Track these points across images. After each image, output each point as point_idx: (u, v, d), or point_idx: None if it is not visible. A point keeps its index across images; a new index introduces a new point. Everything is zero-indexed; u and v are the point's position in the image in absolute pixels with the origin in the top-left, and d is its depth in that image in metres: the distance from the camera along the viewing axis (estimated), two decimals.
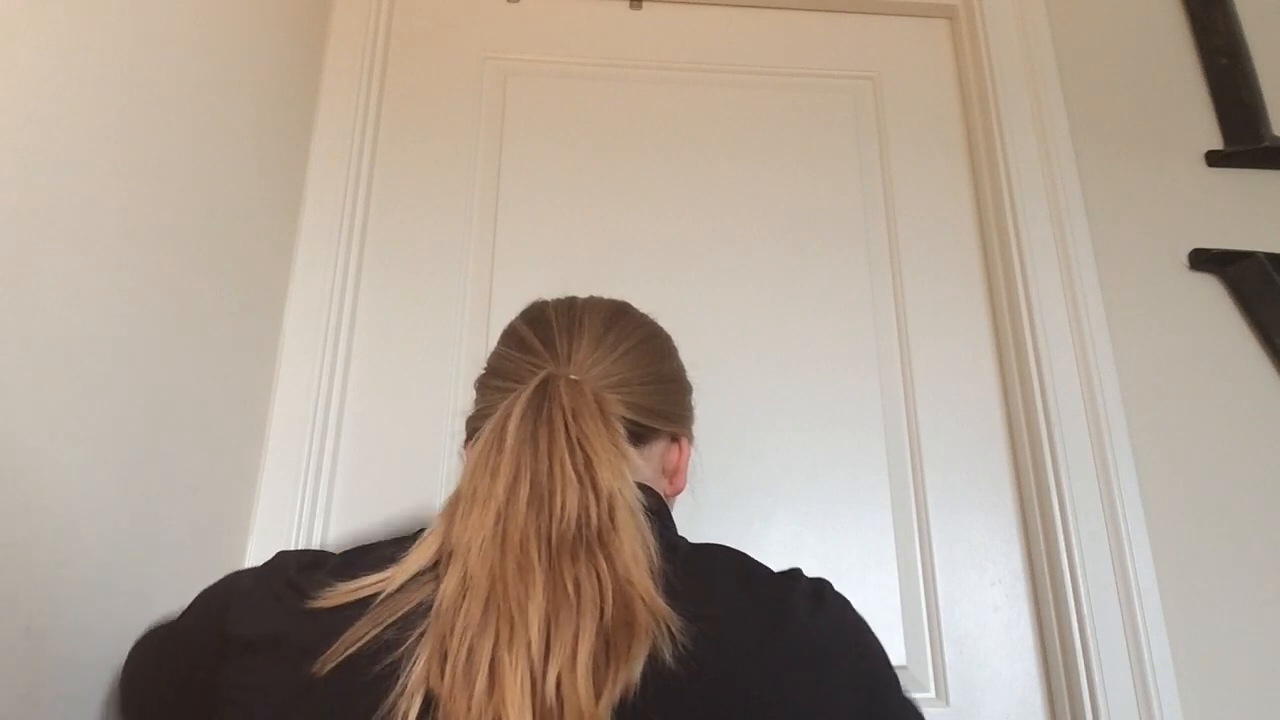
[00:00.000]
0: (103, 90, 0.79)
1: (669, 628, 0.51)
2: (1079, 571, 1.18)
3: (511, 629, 0.50)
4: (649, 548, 0.55)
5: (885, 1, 1.56)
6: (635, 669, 0.49)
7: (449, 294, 1.35)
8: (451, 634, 0.50)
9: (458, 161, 1.43)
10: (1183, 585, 1.18)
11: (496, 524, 0.53)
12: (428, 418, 1.27)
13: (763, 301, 1.37)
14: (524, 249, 1.39)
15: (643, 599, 0.51)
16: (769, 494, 1.18)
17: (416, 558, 0.54)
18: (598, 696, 0.48)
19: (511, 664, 0.48)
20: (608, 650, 0.49)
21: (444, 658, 0.49)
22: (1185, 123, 1.46)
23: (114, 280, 0.81)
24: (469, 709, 0.47)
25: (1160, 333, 1.32)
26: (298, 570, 0.57)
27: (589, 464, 0.56)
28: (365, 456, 1.25)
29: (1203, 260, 1.36)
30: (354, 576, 0.53)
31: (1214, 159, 1.43)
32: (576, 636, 0.49)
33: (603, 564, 0.53)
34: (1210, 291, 1.35)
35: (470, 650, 0.49)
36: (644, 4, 1.56)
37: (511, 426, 0.58)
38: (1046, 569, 1.22)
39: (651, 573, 0.53)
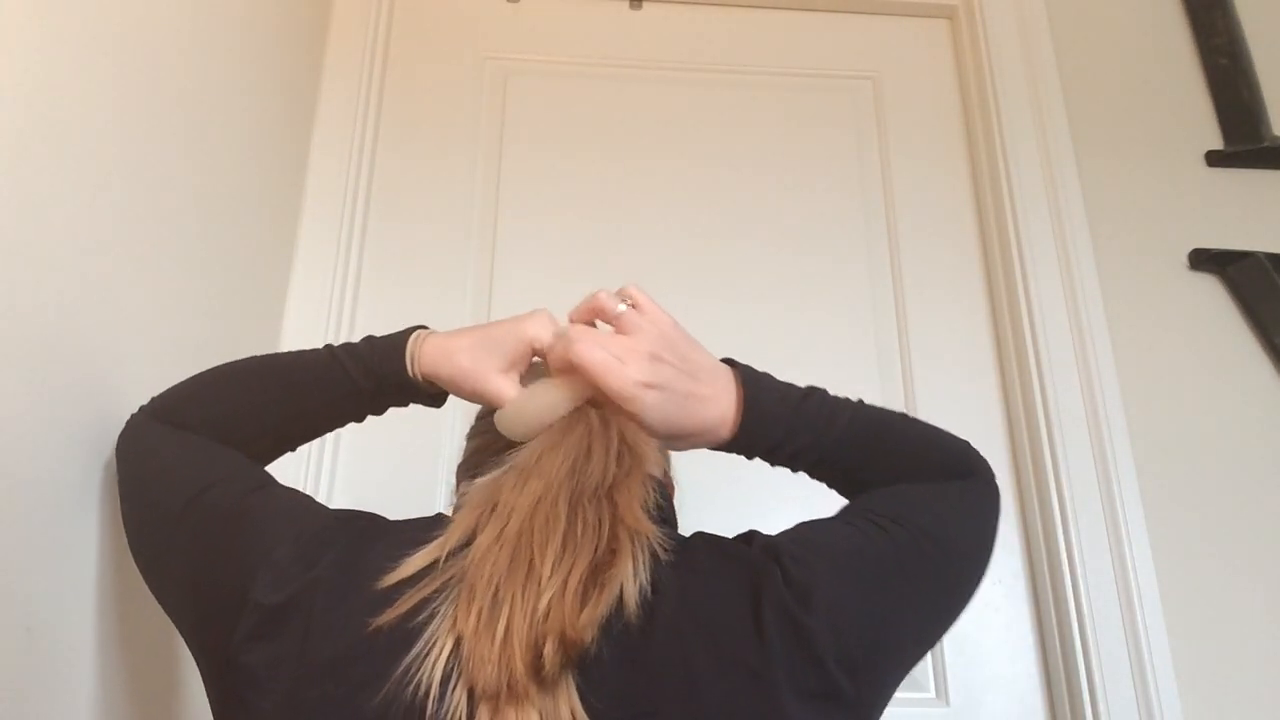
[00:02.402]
0: (102, 91, 0.79)
1: (651, 544, 0.57)
2: (1079, 571, 1.18)
3: (528, 572, 0.55)
4: (648, 493, 0.61)
5: (885, 1, 1.56)
6: (618, 586, 0.55)
7: (449, 293, 1.35)
8: (480, 582, 0.55)
9: (458, 161, 1.43)
10: (1183, 585, 1.18)
11: (545, 491, 0.59)
12: (427, 419, 1.27)
13: (761, 300, 1.37)
14: (524, 248, 1.39)
15: (625, 521, 0.58)
16: (770, 495, 1.18)
17: (461, 528, 0.59)
18: (581, 610, 0.54)
19: (523, 605, 0.54)
20: (595, 574, 0.55)
21: (471, 604, 0.54)
22: (1185, 123, 1.46)
23: (112, 279, 0.81)
24: (490, 650, 0.52)
25: (1160, 333, 1.32)
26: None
27: (623, 440, 0.63)
28: (365, 455, 1.25)
29: (1203, 260, 1.36)
30: (403, 557, 0.58)
31: (1214, 159, 1.43)
32: (571, 568, 0.55)
33: (605, 508, 0.58)
34: (1210, 291, 1.35)
35: (495, 595, 0.55)
36: (644, 4, 1.56)
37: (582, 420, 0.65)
38: (1046, 569, 1.22)
39: (644, 507, 0.60)
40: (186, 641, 0.64)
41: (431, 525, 0.62)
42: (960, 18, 1.55)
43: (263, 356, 0.75)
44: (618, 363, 0.61)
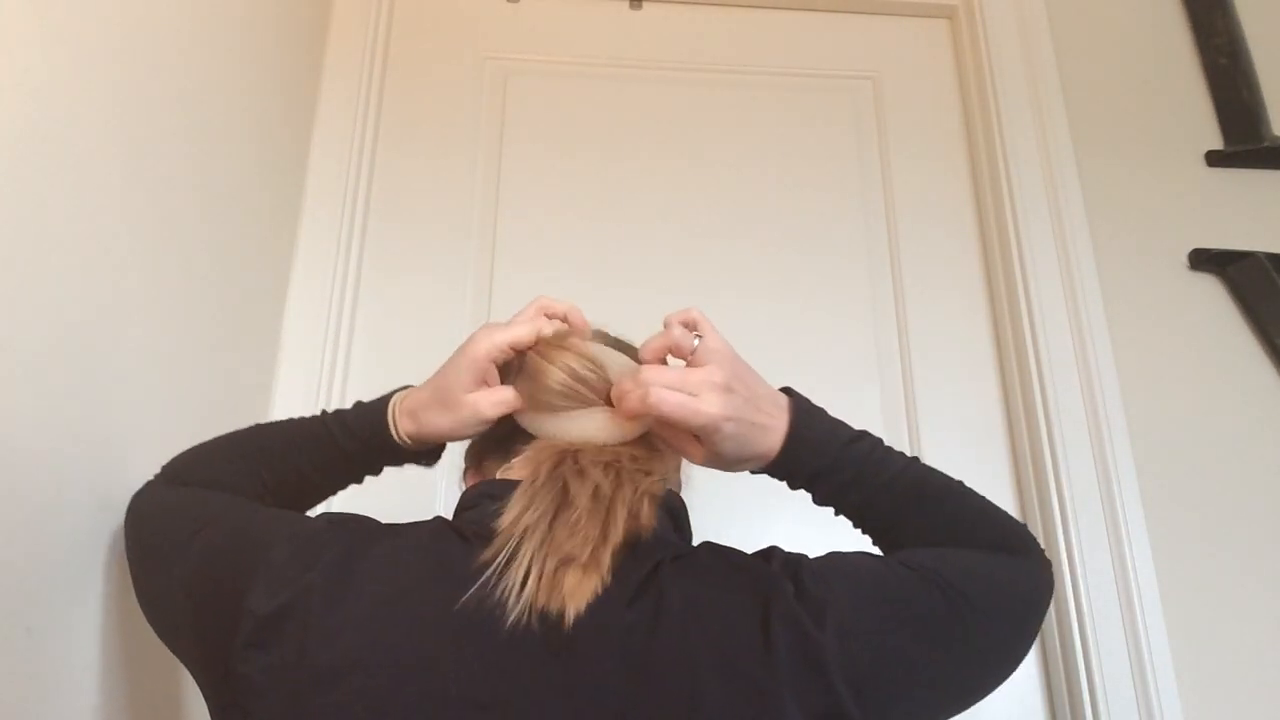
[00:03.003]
0: (101, 92, 0.79)
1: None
2: (1079, 571, 1.18)
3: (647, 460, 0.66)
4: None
5: (885, 1, 1.56)
6: None
7: (449, 295, 1.35)
8: (596, 468, 0.62)
9: (458, 161, 1.43)
10: (1183, 585, 1.18)
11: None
12: None
13: (761, 300, 1.37)
14: (524, 249, 1.39)
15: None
16: (768, 498, 1.18)
17: (550, 462, 0.65)
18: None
19: (632, 483, 0.62)
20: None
21: (584, 482, 0.61)
22: (1185, 123, 1.46)
23: (111, 279, 0.81)
24: (595, 522, 0.59)
25: (1160, 333, 1.32)
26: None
27: None
28: None
29: (1203, 260, 1.36)
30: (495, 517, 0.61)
31: (1214, 159, 1.43)
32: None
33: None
34: (1210, 291, 1.35)
35: (617, 475, 0.62)
36: (644, 4, 1.56)
37: None
38: None
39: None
40: (187, 664, 0.64)
41: (438, 531, 0.62)
42: (960, 18, 1.55)
43: (262, 425, 0.79)
44: (694, 400, 0.62)
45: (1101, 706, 1.11)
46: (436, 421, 0.69)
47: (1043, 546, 0.72)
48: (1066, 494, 1.21)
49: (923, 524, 0.67)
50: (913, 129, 1.50)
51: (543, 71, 1.50)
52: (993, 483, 1.29)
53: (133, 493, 0.76)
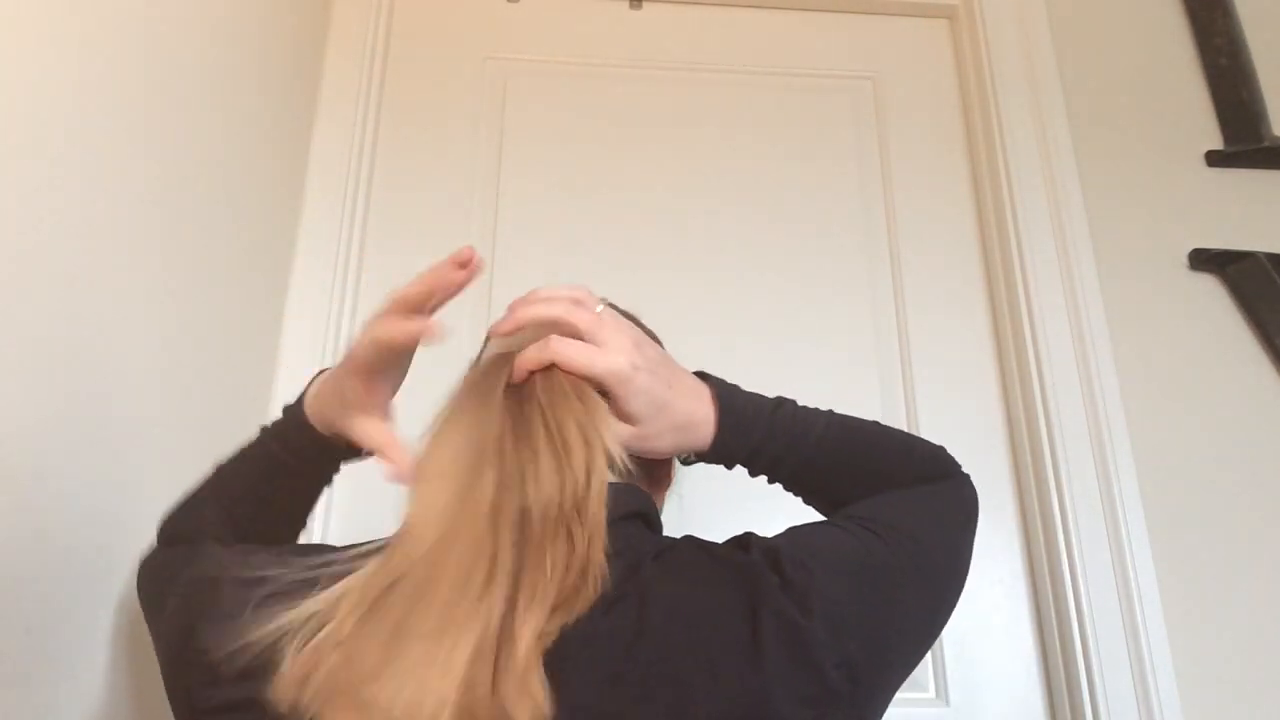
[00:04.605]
0: (104, 89, 0.79)
1: None
2: (1079, 571, 1.18)
3: None
4: None
5: (885, 1, 1.56)
6: None
7: None
8: None
9: (458, 161, 1.43)
10: (1183, 585, 1.18)
11: None
12: (429, 419, 1.26)
13: (761, 302, 1.37)
14: (524, 248, 1.39)
15: None
16: (766, 497, 1.18)
17: None
18: None
19: None
20: None
21: None
22: (1185, 123, 1.46)
23: (112, 277, 0.81)
24: None
25: (1160, 333, 1.32)
26: None
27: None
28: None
29: (1203, 260, 1.36)
30: None
31: (1214, 159, 1.43)
32: None
33: None
34: (1210, 291, 1.35)
35: None
36: (644, 4, 1.56)
37: None
38: (1046, 569, 1.22)
39: None
40: None
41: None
42: (960, 18, 1.55)
43: (222, 465, 0.75)
44: (598, 349, 0.61)
45: (1101, 706, 1.11)
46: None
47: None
48: (1066, 494, 1.21)
49: (856, 476, 0.69)
50: (913, 129, 1.50)
51: (543, 71, 1.50)
52: (993, 483, 1.29)
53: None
